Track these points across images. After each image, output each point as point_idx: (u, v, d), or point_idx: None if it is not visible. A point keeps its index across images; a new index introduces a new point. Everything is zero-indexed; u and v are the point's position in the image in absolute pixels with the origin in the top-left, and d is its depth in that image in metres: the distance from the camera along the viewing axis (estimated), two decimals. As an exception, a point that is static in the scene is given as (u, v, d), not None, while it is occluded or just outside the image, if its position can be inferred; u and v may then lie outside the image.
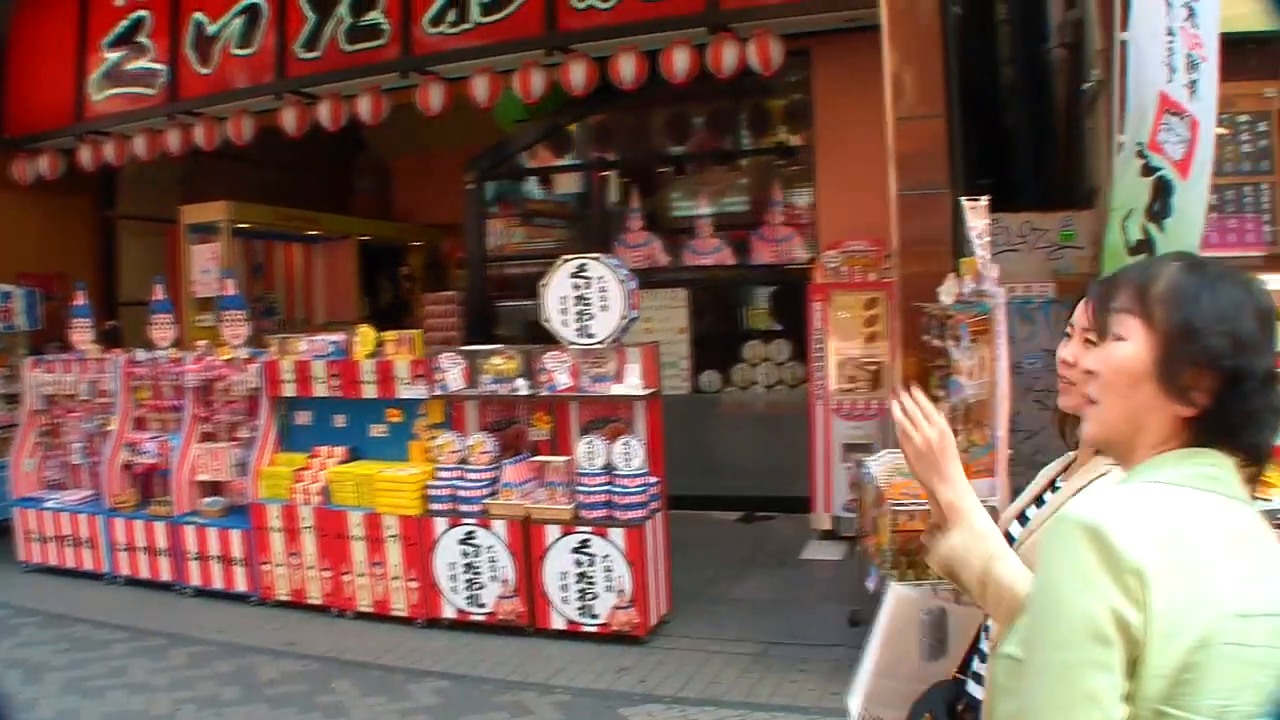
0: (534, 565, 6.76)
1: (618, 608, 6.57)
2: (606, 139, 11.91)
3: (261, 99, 10.30)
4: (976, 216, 5.46)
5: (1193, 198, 5.03)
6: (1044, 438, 7.49)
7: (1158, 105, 5.01)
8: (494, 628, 6.91)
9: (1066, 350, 2.25)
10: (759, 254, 10.67)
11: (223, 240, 11.68)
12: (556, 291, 6.79)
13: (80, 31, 11.28)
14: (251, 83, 10.31)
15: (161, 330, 8.68)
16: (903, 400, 2.13)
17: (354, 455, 7.79)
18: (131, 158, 11.11)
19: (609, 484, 6.63)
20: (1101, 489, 2.01)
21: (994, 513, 2.13)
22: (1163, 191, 5.12)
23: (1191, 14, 4.78)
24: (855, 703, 2.52)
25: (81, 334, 9.12)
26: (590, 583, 6.63)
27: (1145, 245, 5.30)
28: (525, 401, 7.05)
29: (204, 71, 10.53)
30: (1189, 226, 5.08)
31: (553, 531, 6.71)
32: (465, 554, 6.94)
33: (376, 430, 7.77)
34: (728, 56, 8.36)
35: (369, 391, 7.50)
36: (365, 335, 7.63)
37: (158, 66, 10.79)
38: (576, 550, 6.64)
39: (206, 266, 11.65)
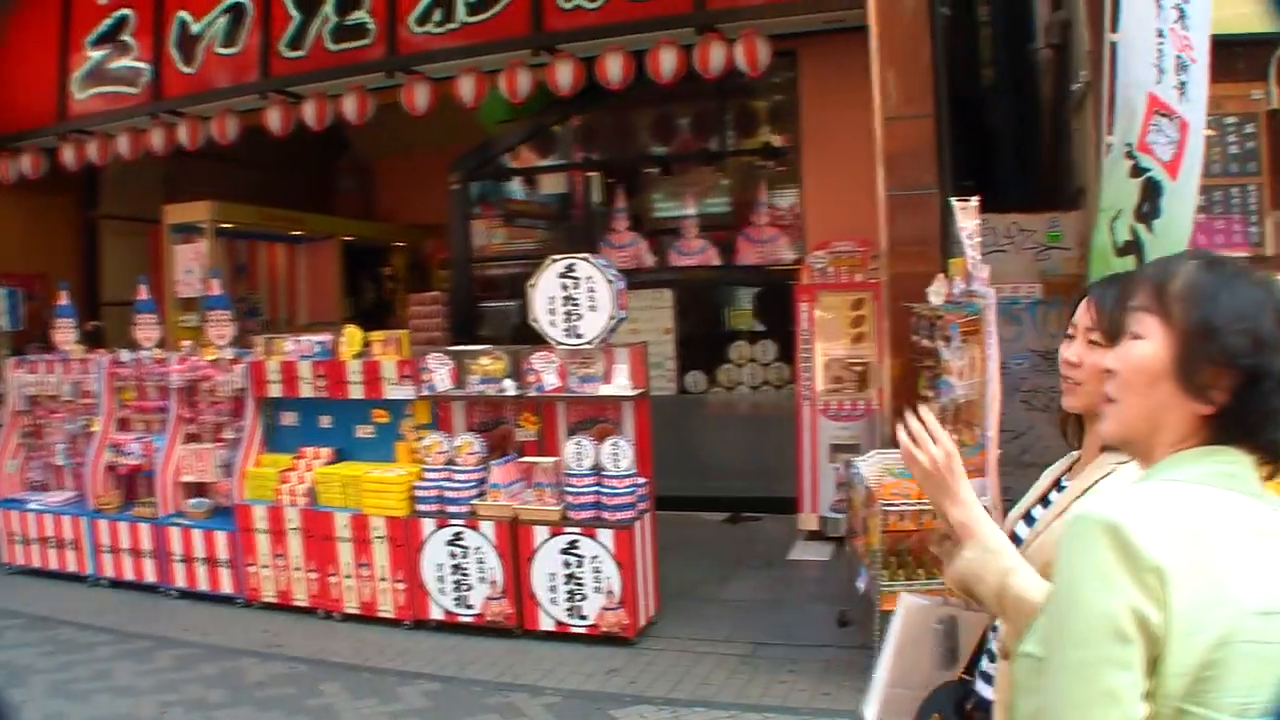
0: (522, 566, 6.74)
1: (606, 609, 6.56)
2: (592, 139, 11.90)
3: (246, 98, 10.26)
4: (967, 217, 5.47)
5: (1182, 199, 5.04)
6: (1030, 438, 7.53)
7: (1147, 106, 5.03)
8: (482, 629, 6.88)
9: (1070, 351, 2.24)
10: (745, 255, 10.67)
11: (206, 240, 11.64)
12: (545, 291, 6.77)
13: (63, 30, 11.20)
14: (236, 82, 10.27)
15: (146, 330, 8.63)
16: (908, 422, 2.14)
17: (340, 456, 7.75)
18: (115, 157, 11.05)
19: (597, 485, 6.61)
20: (1116, 487, 2.02)
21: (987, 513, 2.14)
22: (1152, 192, 5.14)
23: (1182, 15, 4.79)
24: (870, 713, 2.52)
25: (65, 334, 9.06)
26: (579, 584, 6.61)
27: (1133, 246, 5.32)
28: (513, 402, 7.03)
29: (188, 71, 10.48)
30: (1178, 227, 5.10)
31: (541, 532, 6.69)
32: (453, 555, 6.91)
33: (363, 431, 7.73)
34: (715, 57, 8.36)
35: (355, 392, 7.46)
36: (352, 335, 7.60)
37: (141, 65, 10.74)
38: (565, 551, 6.62)
39: (190, 267, 11.61)
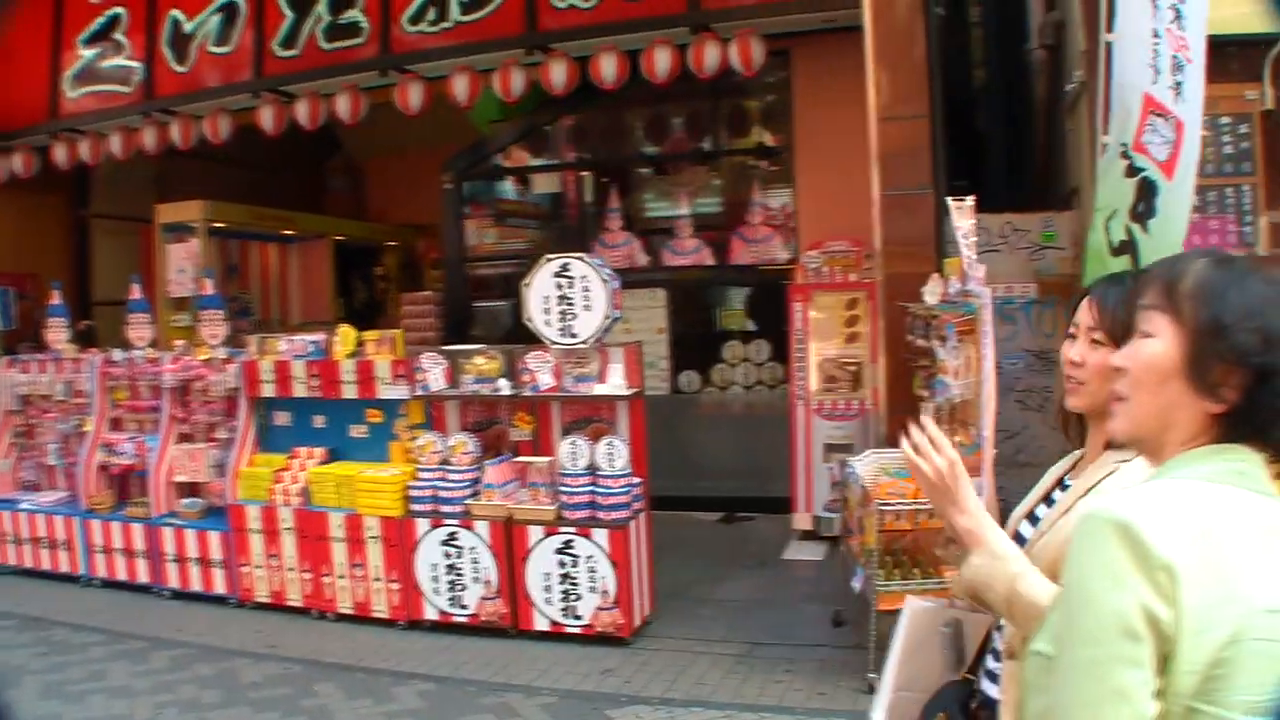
0: (517, 566, 6.73)
1: (601, 609, 6.55)
2: (584, 139, 11.87)
3: (239, 97, 10.23)
4: (962, 216, 5.47)
5: (1177, 199, 5.05)
6: (1025, 438, 7.53)
7: (1142, 106, 5.04)
8: (476, 629, 6.87)
9: (1073, 350, 2.24)
10: (738, 254, 10.67)
11: (198, 240, 11.60)
12: (539, 291, 6.76)
13: (55, 28, 11.17)
14: (228, 81, 10.25)
15: (138, 330, 8.59)
16: (911, 433, 2.14)
17: (333, 456, 7.74)
18: (107, 156, 11.02)
19: (592, 484, 6.61)
20: (1120, 485, 2.02)
21: None
22: (1147, 192, 5.15)
23: (1178, 16, 4.80)
24: (878, 717, 2.52)
25: (57, 334, 9.03)
26: (574, 583, 6.60)
27: (1128, 246, 5.33)
28: (507, 402, 7.02)
29: (180, 69, 10.45)
30: (1173, 227, 5.10)
31: (535, 532, 6.68)
32: (447, 555, 6.90)
33: (356, 431, 7.72)
34: (710, 56, 8.36)
35: (349, 392, 7.45)
36: (346, 335, 7.58)
37: (133, 64, 10.71)
38: (560, 551, 6.62)
39: (182, 266, 11.57)
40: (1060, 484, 2.33)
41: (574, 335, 6.71)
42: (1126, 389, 1.58)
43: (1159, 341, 1.52)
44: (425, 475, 7.04)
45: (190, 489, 8.21)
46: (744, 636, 6.64)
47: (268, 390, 7.76)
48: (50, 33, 11.17)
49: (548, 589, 6.67)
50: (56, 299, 9.12)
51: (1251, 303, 1.46)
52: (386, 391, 7.31)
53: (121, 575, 8.30)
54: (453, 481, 6.93)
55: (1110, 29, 5.45)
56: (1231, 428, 1.47)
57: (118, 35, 10.78)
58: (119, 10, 10.77)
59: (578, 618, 6.63)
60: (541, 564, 6.67)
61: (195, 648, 6.91)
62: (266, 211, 12.93)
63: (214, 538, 7.82)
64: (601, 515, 6.57)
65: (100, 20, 10.85)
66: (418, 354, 7.17)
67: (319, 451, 7.72)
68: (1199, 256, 1.54)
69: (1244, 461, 1.46)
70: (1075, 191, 7.42)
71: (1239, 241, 6.16)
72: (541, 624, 6.73)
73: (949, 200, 5.55)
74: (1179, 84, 4.90)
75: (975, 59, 10.63)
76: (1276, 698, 1.32)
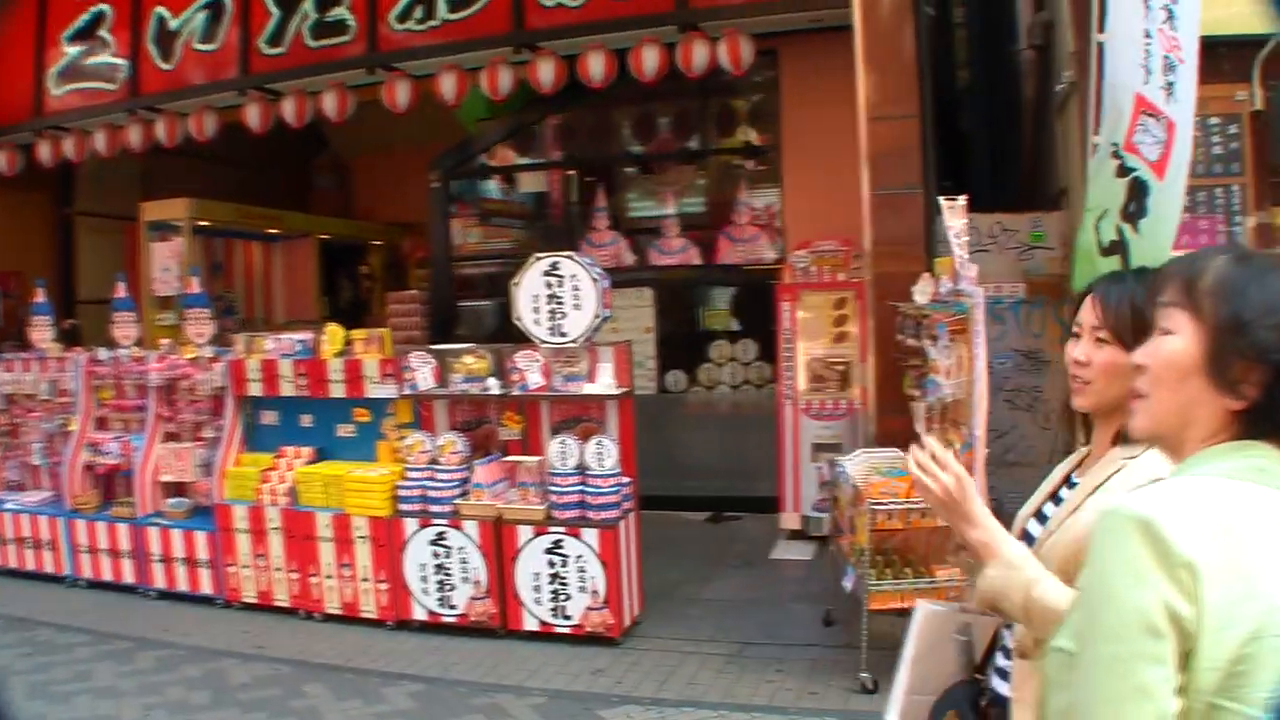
0: (506, 566, 6.71)
1: (591, 609, 6.53)
2: (572, 138, 11.86)
3: (225, 95, 10.18)
4: (954, 216, 5.48)
5: (1169, 199, 5.06)
6: (1014, 437, 7.56)
7: (1134, 106, 5.04)
8: (465, 629, 6.85)
9: (1078, 350, 2.24)
10: (725, 254, 10.67)
11: (183, 238, 11.54)
12: (529, 290, 6.73)
13: (40, 25, 11.10)
14: (214, 78, 10.20)
15: (124, 328, 8.53)
16: (915, 453, 2.15)
17: (321, 455, 7.70)
18: (92, 153, 10.97)
19: (582, 484, 6.59)
20: (1130, 482, 2.02)
21: None
22: (1138, 192, 5.15)
23: (1170, 16, 4.81)
24: None
25: (41, 332, 8.96)
26: (563, 583, 6.59)
27: (1118, 246, 5.34)
28: (496, 401, 6.99)
29: (166, 67, 10.40)
30: (1164, 228, 5.11)
31: (525, 532, 6.66)
32: (436, 555, 6.87)
33: (344, 430, 7.68)
34: (698, 55, 8.35)
35: (337, 391, 7.41)
36: (334, 334, 7.55)
37: (119, 61, 10.65)
38: (549, 551, 6.60)
39: (167, 264, 11.52)
40: (1067, 481, 2.33)
41: (563, 334, 6.69)
42: (1146, 386, 1.58)
43: (1179, 338, 1.51)
44: (414, 475, 7.01)
45: (176, 489, 8.16)
46: (734, 636, 6.63)
47: (254, 389, 7.71)
48: (35, 30, 11.10)
49: (537, 589, 6.65)
50: (41, 297, 9.06)
51: (1272, 299, 1.45)
52: (374, 391, 7.27)
53: (107, 575, 8.24)
54: (441, 481, 6.91)
55: (1102, 29, 5.46)
56: (1252, 424, 1.47)
57: (102, 32, 10.72)
58: (104, 7, 10.71)
59: (567, 618, 6.61)
60: (531, 564, 6.65)
61: (182, 648, 6.86)
62: (252, 210, 12.88)
63: (200, 538, 7.77)
64: (591, 515, 6.55)
65: (85, 17, 10.80)
66: (406, 353, 7.14)
67: (306, 451, 7.67)
68: (1219, 253, 1.54)
69: (1264, 458, 1.45)
70: (1064, 192, 7.45)
71: (1228, 242, 6.19)
72: (531, 624, 6.71)
73: (941, 200, 5.56)
74: (1171, 84, 4.91)
75: (959, 60, 10.66)
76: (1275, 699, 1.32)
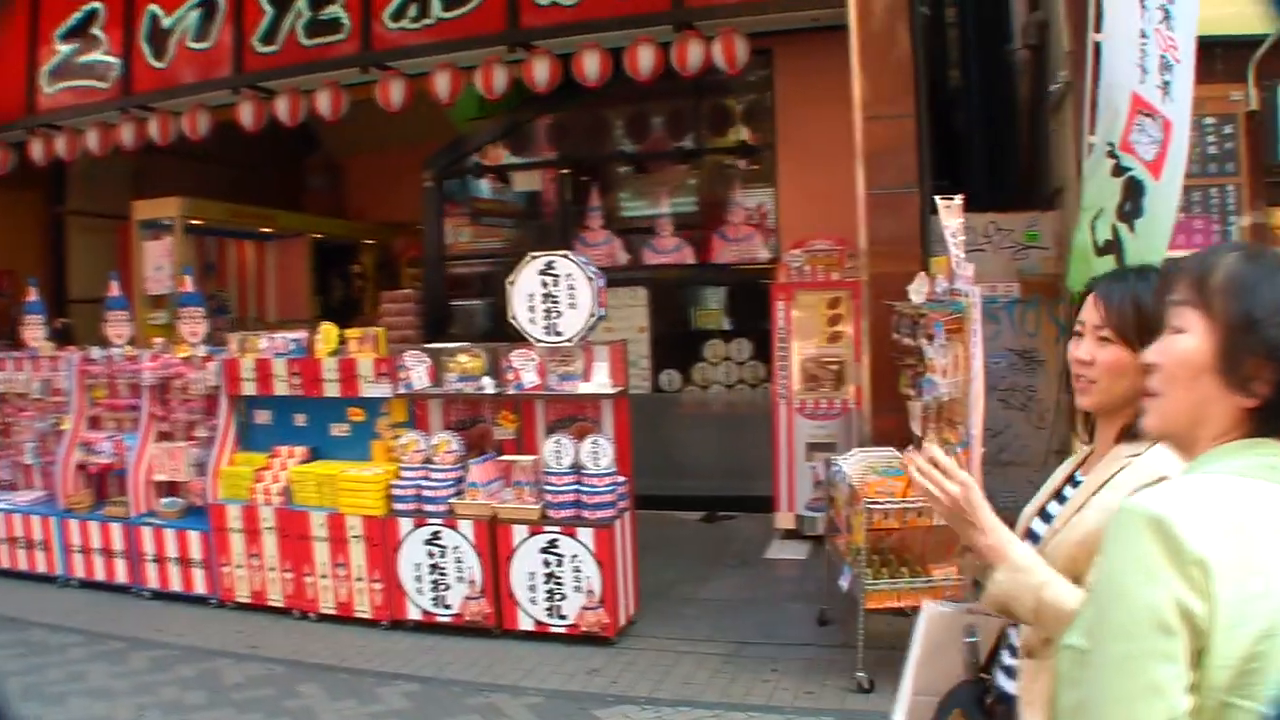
0: (501, 566, 6.69)
1: (586, 608, 6.52)
2: (565, 137, 11.83)
3: (218, 94, 10.15)
4: (950, 215, 5.48)
5: (1164, 198, 5.07)
6: (1008, 437, 7.56)
7: (1130, 106, 5.06)
8: (460, 629, 6.83)
9: (1081, 349, 2.24)
10: (720, 253, 10.68)
11: (176, 236, 11.51)
12: (524, 289, 6.71)
13: (32, 23, 11.06)
14: (208, 77, 10.16)
15: (117, 327, 8.50)
16: (918, 464, 2.15)
17: (314, 455, 7.68)
18: (84, 152, 10.92)
19: (577, 483, 6.57)
20: (1135, 479, 2.03)
21: None
22: (1134, 191, 5.17)
23: (1167, 16, 4.82)
24: None
25: (34, 331, 8.92)
26: (559, 583, 6.57)
27: (1114, 245, 5.36)
28: (490, 400, 6.98)
29: (159, 65, 10.36)
30: (1159, 227, 5.13)
31: (520, 531, 6.64)
32: (431, 555, 6.86)
33: (338, 430, 7.66)
34: (693, 55, 8.35)
35: (331, 390, 7.39)
36: (328, 333, 7.53)
37: (111, 59, 10.61)
38: (544, 550, 6.58)
39: (159, 263, 11.50)
40: (1071, 480, 2.33)
41: (559, 333, 6.67)
42: (1159, 385, 1.57)
43: (1191, 337, 1.51)
44: (408, 474, 6.99)
45: (170, 488, 8.13)
46: (729, 636, 6.62)
47: (248, 388, 7.69)
48: (27, 27, 11.06)
49: (532, 588, 6.64)
50: (33, 296, 9.02)
51: None
52: (369, 390, 7.26)
53: (100, 575, 8.20)
54: (436, 480, 6.89)
55: (1098, 29, 5.47)
56: (1264, 422, 1.47)
57: (95, 30, 10.67)
58: (96, 5, 10.66)
59: (562, 617, 6.60)
60: (526, 563, 6.63)
61: (176, 648, 6.83)
62: (244, 209, 12.86)
63: (194, 537, 7.74)
64: (586, 514, 6.54)
65: (78, 15, 10.75)
66: (400, 352, 7.12)
67: (300, 450, 7.65)
68: (1229, 251, 1.54)
69: (1276, 456, 1.45)
70: (1059, 191, 7.45)
71: (1212, 241, 6.21)
72: (526, 624, 6.69)
73: (937, 199, 5.57)
74: (1167, 84, 4.92)
75: (951, 59, 10.66)
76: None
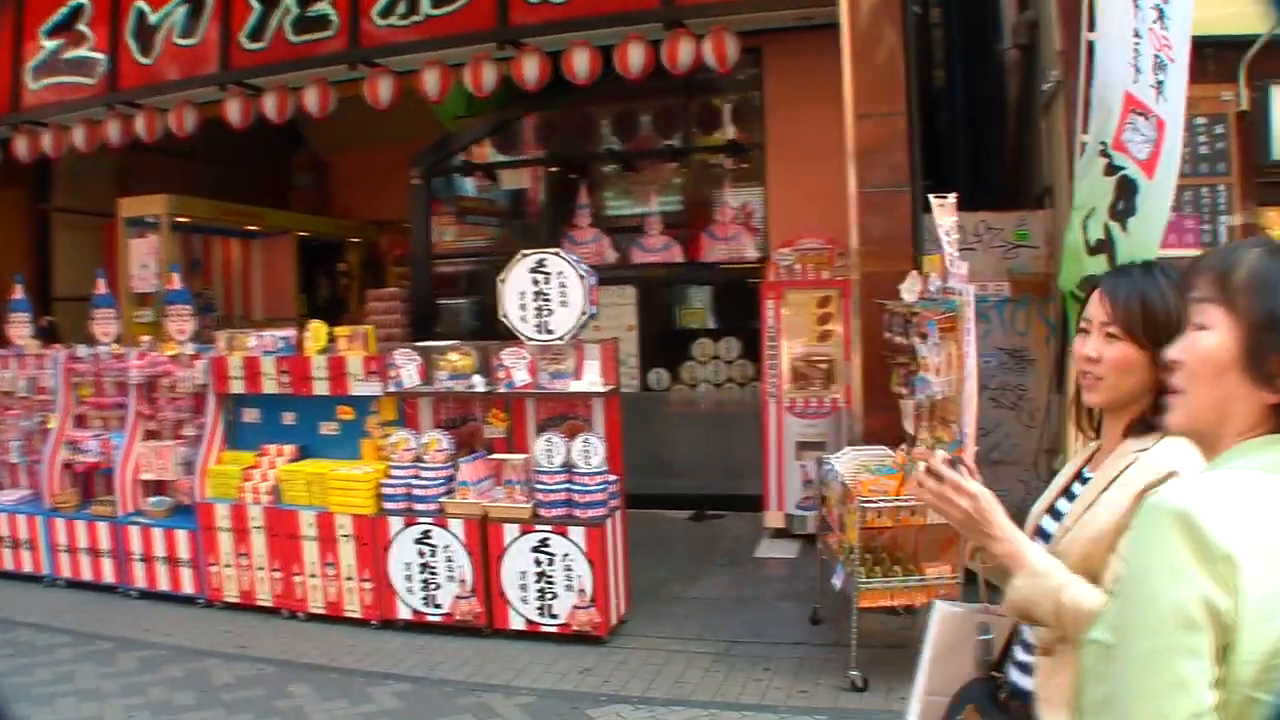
0: (492, 565, 6.67)
1: (578, 607, 6.51)
2: (554, 135, 11.81)
3: (205, 90, 10.09)
4: (944, 214, 5.48)
5: (1158, 197, 5.08)
6: (998, 435, 7.57)
7: (1123, 105, 5.06)
8: (450, 629, 6.81)
9: (1088, 346, 2.23)
10: (709, 251, 10.69)
11: (162, 234, 11.45)
12: (515, 286, 6.69)
13: (17, 19, 10.98)
14: (194, 73, 10.09)
15: (104, 325, 8.44)
16: (926, 482, 2.17)
17: (303, 453, 7.64)
18: (70, 148, 10.85)
19: (568, 482, 6.56)
20: (1144, 475, 2.05)
21: None
22: (1127, 190, 5.17)
23: (1161, 16, 4.82)
24: None
25: (19, 329, 8.85)
26: (550, 582, 6.56)
27: (1105, 245, 5.36)
28: (480, 398, 6.96)
29: (145, 61, 10.29)
30: (1152, 226, 5.14)
31: (511, 530, 6.62)
32: (421, 554, 6.83)
33: (327, 428, 7.62)
34: (683, 53, 8.33)
35: (320, 388, 7.35)
36: (317, 331, 7.49)
37: (97, 55, 10.53)
38: (536, 549, 6.56)
39: (145, 261, 11.43)
40: (1080, 476, 2.32)
41: (550, 331, 6.66)
42: (1182, 382, 1.57)
43: (1214, 334, 1.50)
44: (398, 473, 6.96)
45: (157, 487, 8.08)
46: (721, 635, 6.62)
47: (236, 386, 7.64)
48: (12, 24, 10.97)
49: (523, 588, 6.62)
50: (19, 294, 8.95)
51: None
52: (358, 388, 7.22)
53: (87, 575, 8.15)
54: (426, 479, 6.87)
55: (1091, 28, 5.48)
56: None
57: (81, 26, 10.59)
58: (82, 1, 10.59)
59: (554, 616, 6.58)
60: (517, 562, 6.61)
61: (165, 648, 6.79)
62: (230, 206, 12.79)
63: (182, 536, 7.70)
64: (578, 513, 6.52)
65: (63, 11, 10.66)
66: (390, 350, 7.09)
67: (288, 449, 7.62)
68: (1252, 246, 1.53)
69: None
70: (1048, 190, 7.47)
71: (1196, 241, 6.23)
72: (517, 623, 6.67)
73: (931, 198, 5.57)
74: (1160, 83, 4.93)
75: (935, 59, 10.68)
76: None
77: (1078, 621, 1.93)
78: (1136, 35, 4.96)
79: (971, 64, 10.27)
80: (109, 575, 8.05)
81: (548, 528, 6.54)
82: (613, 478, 6.70)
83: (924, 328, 5.58)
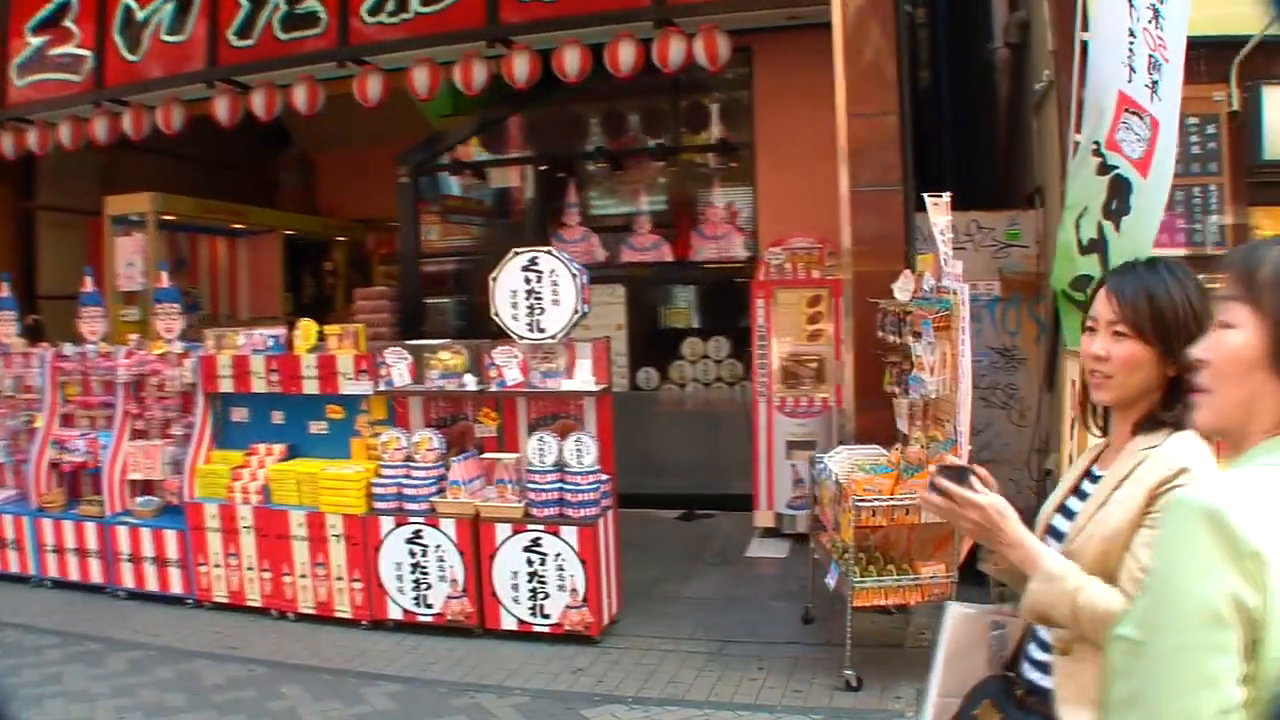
0: (484, 564, 6.65)
1: (570, 607, 6.49)
2: (542, 133, 11.79)
3: (192, 87, 10.03)
4: (938, 213, 5.48)
5: (1152, 197, 5.10)
6: (989, 435, 7.58)
7: (1117, 105, 5.07)
8: (442, 629, 6.78)
9: (1096, 345, 2.23)
10: (698, 250, 10.67)
11: (148, 232, 11.38)
12: (507, 285, 6.66)
13: (2, 15, 10.89)
14: (182, 70, 10.01)
15: (91, 324, 8.39)
16: (934, 501, 2.20)
17: (293, 453, 7.61)
18: (56, 146, 10.77)
19: (561, 481, 6.54)
20: (1154, 472, 2.06)
21: None
22: (1121, 190, 5.19)
23: (1156, 16, 4.83)
24: None
25: (6, 327, 8.79)
26: (542, 582, 6.54)
27: (1098, 244, 5.38)
28: (472, 398, 6.93)
29: (132, 58, 10.22)
30: (1146, 225, 5.15)
31: (503, 530, 6.60)
32: (412, 554, 6.80)
33: (316, 427, 7.59)
34: (674, 52, 8.31)
35: (310, 387, 7.32)
36: (307, 329, 7.45)
37: (84, 52, 10.44)
38: (528, 549, 6.54)
39: (131, 259, 11.35)
40: (1089, 474, 2.32)
41: (542, 330, 6.63)
42: (1209, 381, 1.57)
43: (1241, 332, 1.50)
44: (389, 472, 6.93)
45: (145, 487, 8.04)
46: (713, 634, 6.61)
47: (225, 385, 7.60)
48: (-3, 19, 10.91)
49: (515, 588, 6.60)
50: (5, 292, 8.87)
51: None
52: (348, 387, 7.19)
53: (74, 575, 8.09)
54: (417, 479, 6.84)
55: (1085, 28, 5.49)
56: None
57: (67, 23, 10.50)
58: (69, -3, 10.53)
59: (546, 616, 6.56)
60: (509, 562, 6.59)
61: (154, 649, 6.75)
62: (216, 204, 12.70)
63: (170, 536, 7.65)
64: (570, 513, 6.50)
65: (49, 8, 10.56)
66: (381, 349, 7.06)
67: (278, 448, 7.58)
68: (1276, 244, 1.53)
69: None
70: (1039, 190, 7.47)
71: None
72: (509, 623, 6.65)
73: (926, 197, 5.57)
74: (1156, 83, 4.94)
75: (921, 60, 10.68)
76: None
77: (1095, 623, 1.94)
78: (1131, 35, 4.97)
79: (958, 64, 10.26)
80: (96, 575, 8.00)
81: (540, 527, 6.52)
82: (605, 477, 6.68)
83: (919, 326, 5.58)
